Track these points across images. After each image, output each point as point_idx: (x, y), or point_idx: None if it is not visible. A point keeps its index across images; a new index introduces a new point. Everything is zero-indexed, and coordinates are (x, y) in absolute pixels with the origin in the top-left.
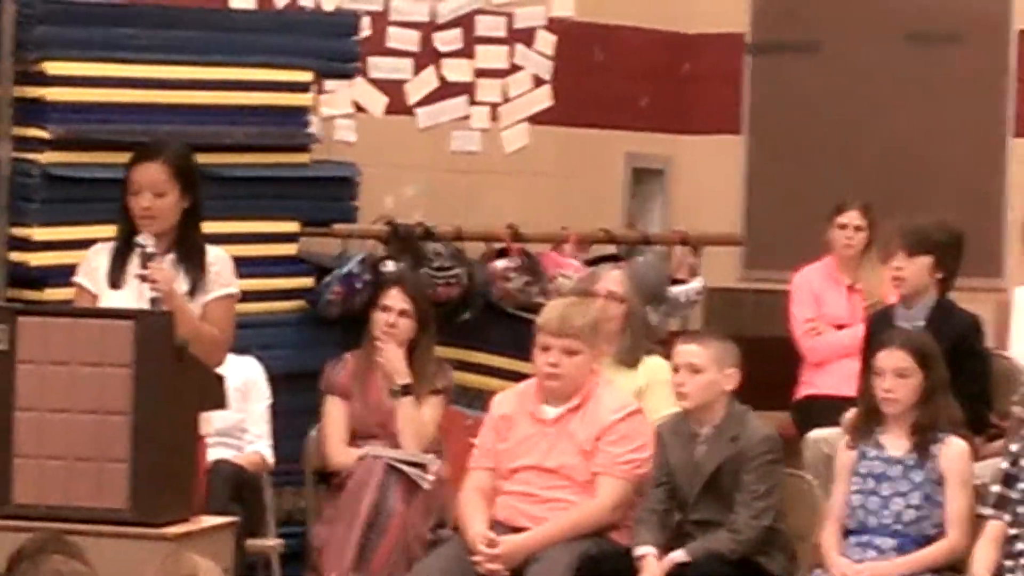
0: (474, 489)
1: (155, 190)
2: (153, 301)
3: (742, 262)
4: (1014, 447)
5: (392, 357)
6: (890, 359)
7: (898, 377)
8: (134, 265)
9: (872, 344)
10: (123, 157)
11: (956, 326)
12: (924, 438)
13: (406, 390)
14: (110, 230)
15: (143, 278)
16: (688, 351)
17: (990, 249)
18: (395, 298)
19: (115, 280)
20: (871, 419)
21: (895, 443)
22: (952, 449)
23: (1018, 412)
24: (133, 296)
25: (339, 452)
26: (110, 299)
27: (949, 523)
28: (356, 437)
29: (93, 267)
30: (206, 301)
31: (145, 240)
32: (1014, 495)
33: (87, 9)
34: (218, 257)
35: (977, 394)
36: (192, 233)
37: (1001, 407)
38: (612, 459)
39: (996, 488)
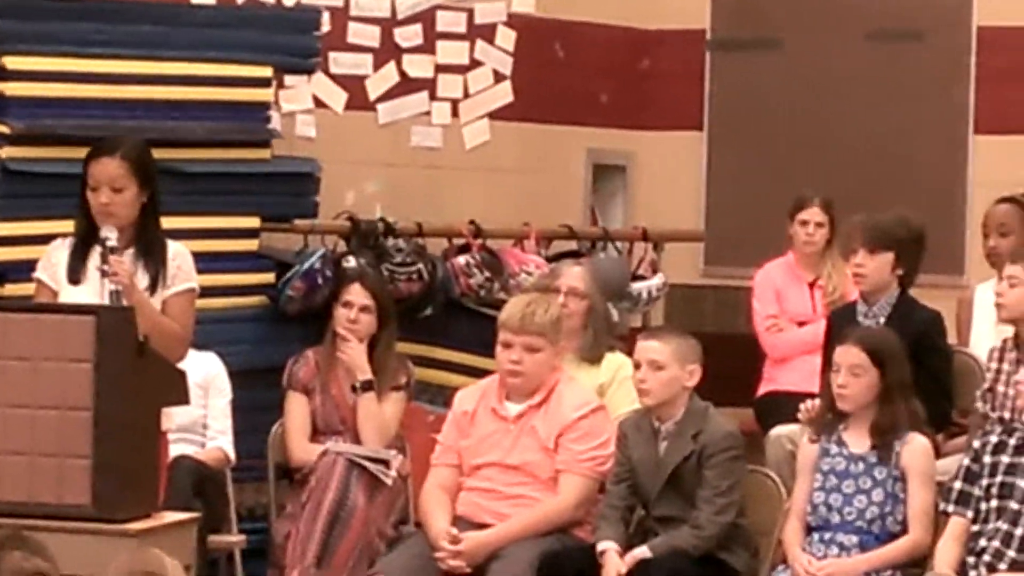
0: (437, 486)
1: (113, 185)
2: (113, 295)
3: (703, 258)
4: (976, 443)
5: (353, 353)
6: (845, 355)
7: (851, 375)
8: (95, 260)
9: (833, 341)
10: (83, 152)
11: (917, 323)
12: (883, 439)
13: (367, 386)
14: (70, 225)
15: (103, 272)
16: (650, 347)
17: (951, 246)
18: (357, 294)
19: (75, 276)
20: (833, 415)
21: (857, 440)
22: (914, 446)
23: (980, 407)
24: (93, 291)
25: (301, 448)
26: (70, 295)
27: (911, 520)
28: (318, 433)
29: (53, 263)
30: (166, 296)
31: (108, 234)
32: (976, 491)
33: (47, 4)
34: (178, 252)
35: (939, 391)
36: (151, 228)
37: (962, 404)
38: (574, 456)
39: (958, 484)
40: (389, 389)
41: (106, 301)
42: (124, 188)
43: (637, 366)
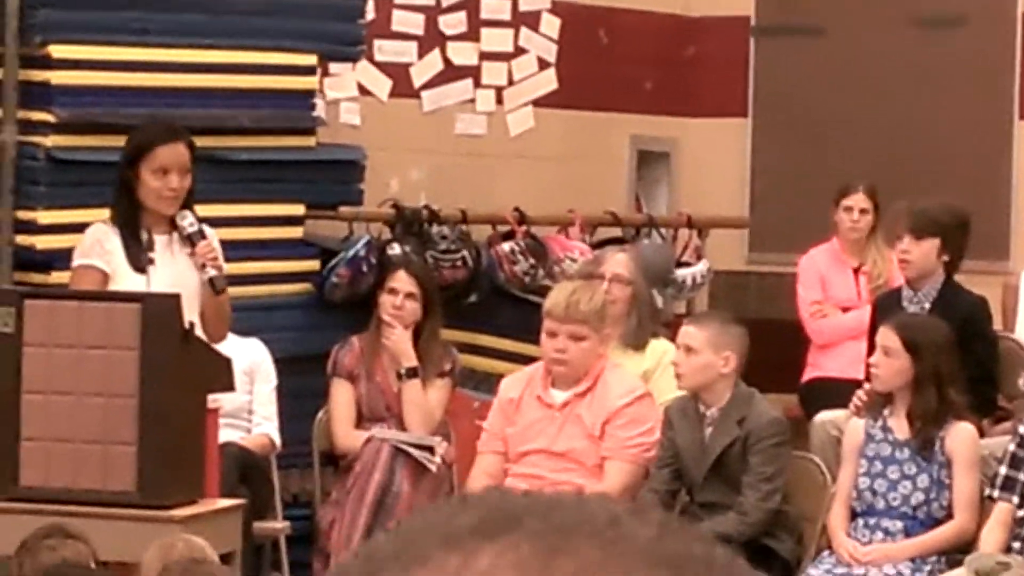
0: (483, 473)
1: (183, 171)
2: (214, 280)
3: (748, 245)
4: (1022, 429)
5: (398, 340)
6: (881, 336)
7: (883, 355)
8: (165, 246)
9: (878, 326)
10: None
11: (962, 309)
12: (919, 428)
13: (412, 373)
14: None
15: (199, 257)
16: (685, 332)
17: (996, 232)
18: (402, 281)
19: (139, 263)
20: (880, 399)
21: (902, 426)
22: (959, 432)
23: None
24: (170, 277)
25: (346, 435)
26: (133, 282)
27: (957, 505)
28: (363, 420)
29: (107, 249)
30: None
31: (187, 219)
32: (1022, 477)
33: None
34: (212, 235)
35: (984, 376)
36: (194, 212)
37: (1008, 389)
38: (620, 443)
39: (1004, 470)
40: (434, 376)
41: (185, 286)
42: (188, 173)
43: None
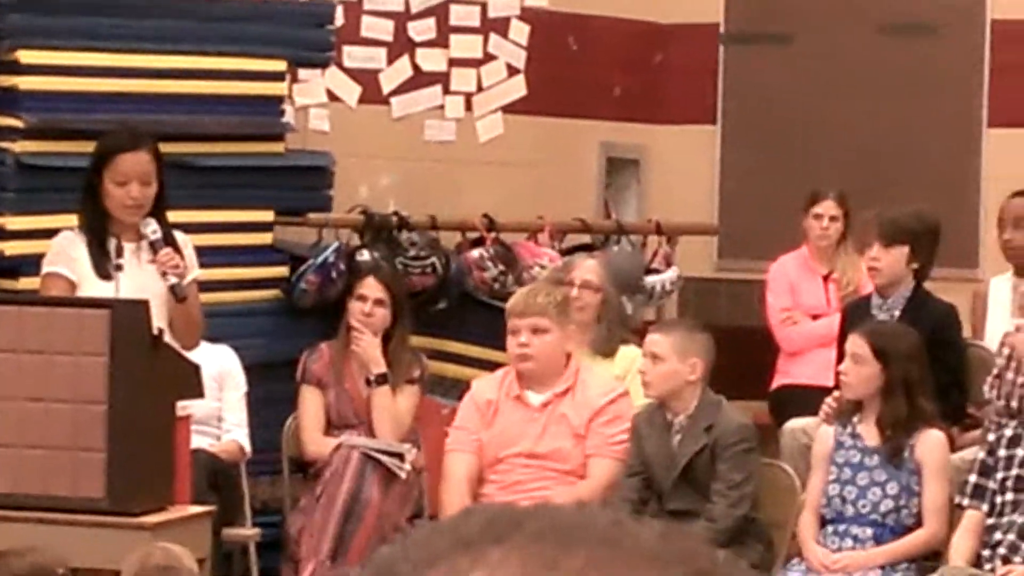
0: (461, 476)
1: (144, 180)
2: (174, 288)
3: (717, 252)
4: (991, 437)
5: (368, 346)
6: (851, 344)
7: (853, 362)
8: (133, 254)
9: (848, 334)
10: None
11: (932, 316)
12: (893, 434)
13: (382, 379)
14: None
15: (160, 266)
16: (651, 340)
17: (966, 239)
18: (371, 287)
19: (103, 271)
20: (850, 406)
21: (871, 433)
22: (929, 440)
23: (987, 393)
24: (135, 285)
25: (314, 441)
26: (100, 290)
27: (926, 513)
28: (333, 426)
29: (73, 256)
30: (186, 284)
31: (150, 227)
32: (991, 485)
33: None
34: (186, 241)
35: (953, 384)
36: (164, 219)
37: (977, 397)
38: (605, 439)
39: (973, 478)
40: (403, 382)
41: (153, 293)
42: (151, 182)
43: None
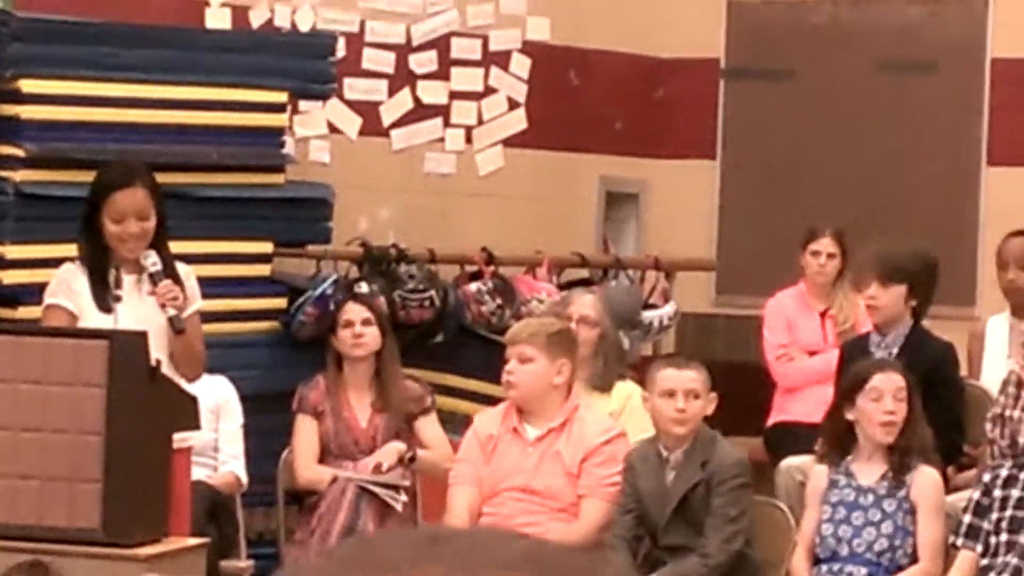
0: (463, 509)
1: (141, 215)
2: (173, 320)
3: (715, 287)
4: (987, 477)
5: (386, 457)
6: (890, 382)
7: (898, 400)
8: (133, 287)
9: (845, 371)
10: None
11: (930, 354)
12: (901, 463)
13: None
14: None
15: (159, 298)
16: (687, 377)
17: (964, 278)
18: (353, 311)
19: (104, 304)
20: (842, 446)
21: (866, 472)
22: (924, 478)
23: (989, 432)
24: (134, 317)
25: (308, 468)
26: (101, 322)
27: (921, 551)
28: (331, 456)
29: (74, 289)
30: (186, 316)
31: (150, 259)
32: (986, 525)
33: (63, 27)
34: (188, 272)
35: (950, 423)
36: (165, 250)
37: (974, 436)
38: (598, 480)
39: (967, 518)
40: (420, 412)
41: (153, 325)
42: (149, 216)
43: (670, 394)
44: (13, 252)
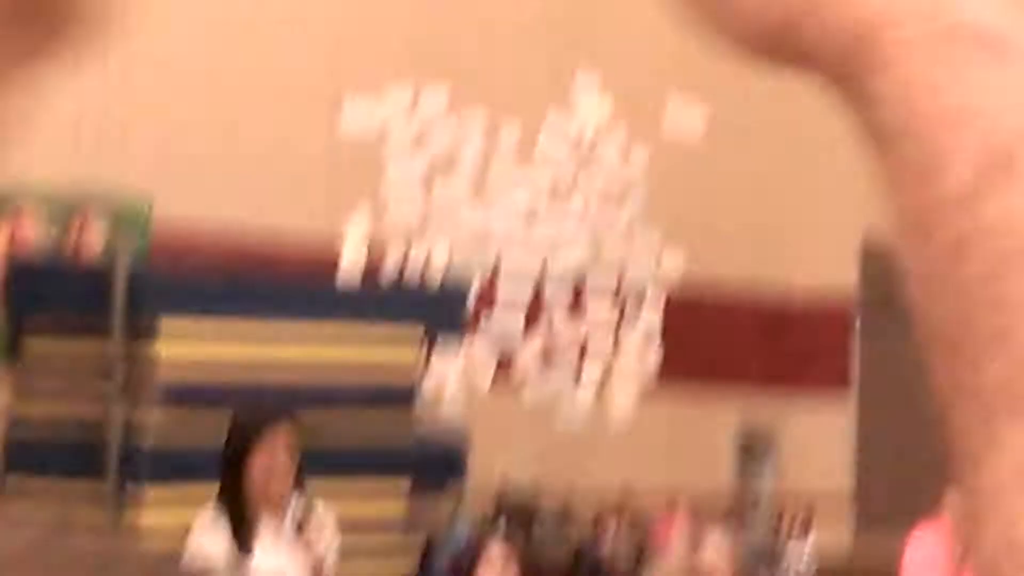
0: None
1: (284, 454)
2: (319, 563)
3: (854, 523)
4: None
5: None
6: None
7: None
8: (273, 531)
9: None
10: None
11: None
12: None
13: None
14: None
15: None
16: None
17: None
18: (496, 551)
19: (246, 547)
20: None
21: None
22: None
23: None
24: (271, 561)
25: None
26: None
27: None
28: None
29: (212, 534)
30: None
31: (297, 502)
32: None
33: (200, 286)
34: (326, 517)
35: None
36: (303, 493)
37: None
38: None
39: None
40: None
41: (289, 571)
42: (291, 456)
43: None
44: (150, 494)
